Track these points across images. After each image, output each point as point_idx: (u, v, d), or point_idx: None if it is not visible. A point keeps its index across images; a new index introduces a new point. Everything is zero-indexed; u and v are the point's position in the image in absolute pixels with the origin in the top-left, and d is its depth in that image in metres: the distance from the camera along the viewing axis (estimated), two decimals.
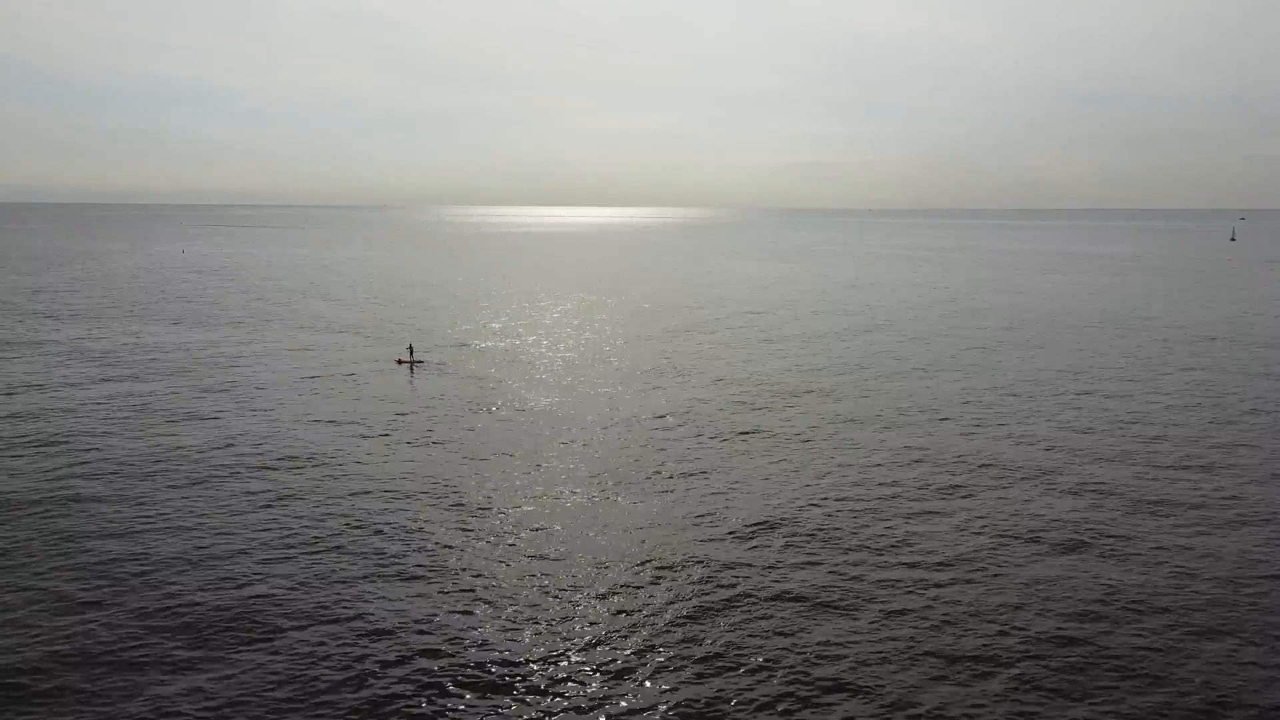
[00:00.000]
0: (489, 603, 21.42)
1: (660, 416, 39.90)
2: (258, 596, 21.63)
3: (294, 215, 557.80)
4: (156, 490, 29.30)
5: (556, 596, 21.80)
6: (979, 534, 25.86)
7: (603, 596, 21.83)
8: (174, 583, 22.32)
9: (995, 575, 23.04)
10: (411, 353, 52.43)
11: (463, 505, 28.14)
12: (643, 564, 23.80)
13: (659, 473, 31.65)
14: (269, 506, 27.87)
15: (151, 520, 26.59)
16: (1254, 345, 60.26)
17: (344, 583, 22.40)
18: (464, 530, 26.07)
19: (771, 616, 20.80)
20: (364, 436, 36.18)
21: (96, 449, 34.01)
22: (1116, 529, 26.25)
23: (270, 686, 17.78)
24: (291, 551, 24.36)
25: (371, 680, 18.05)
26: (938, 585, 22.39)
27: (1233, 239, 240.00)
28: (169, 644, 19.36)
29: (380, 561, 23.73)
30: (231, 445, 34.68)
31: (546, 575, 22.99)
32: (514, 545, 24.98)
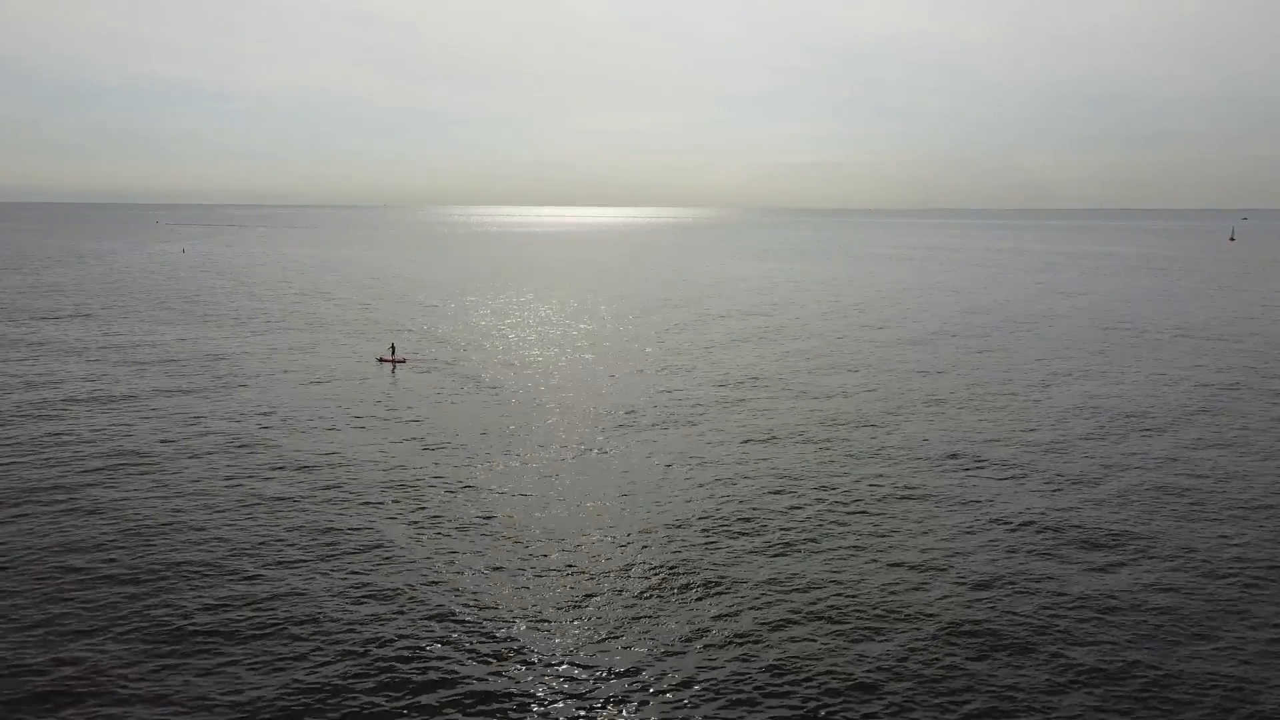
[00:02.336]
0: (470, 613, 20.86)
1: (653, 421, 39.36)
2: (237, 599, 21.08)
3: (292, 215, 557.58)
4: (142, 494, 28.76)
5: (542, 609, 21.23)
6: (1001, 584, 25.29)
7: (593, 607, 21.25)
8: (155, 584, 21.78)
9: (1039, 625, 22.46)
10: (393, 351, 51.86)
11: (438, 508, 27.58)
12: (637, 579, 23.22)
13: (648, 476, 31.12)
14: (241, 507, 27.32)
15: (133, 525, 26.04)
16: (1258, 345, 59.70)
17: (319, 585, 21.84)
18: (439, 536, 25.51)
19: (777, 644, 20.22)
20: (340, 436, 35.60)
21: (70, 451, 33.47)
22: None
23: (252, 689, 17.23)
24: (262, 556, 23.81)
25: (353, 688, 17.49)
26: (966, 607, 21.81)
27: (1232, 239, 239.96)
28: (154, 651, 18.80)
29: (352, 566, 23.18)
30: (207, 444, 34.11)
31: (530, 585, 22.42)
32: (494, 552, 24.42)
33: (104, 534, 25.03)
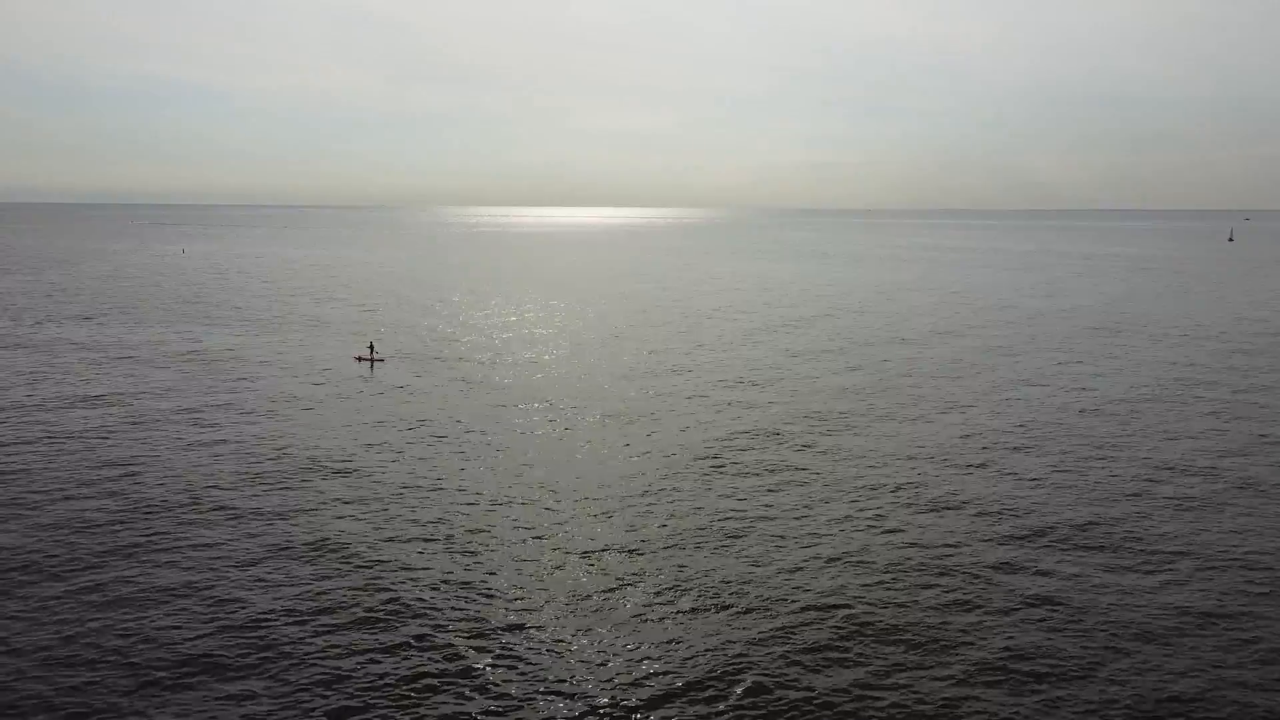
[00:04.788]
0: (443, 627, 20.68)
1: (638, 428, 39.17)
2: (216, 601, 20.93)
3: (291, 216, 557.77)
4: (121, 497, 28.61)
5: (524, 624, 21.05)
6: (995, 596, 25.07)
7: (576, 619, 21.07)
8: (128, 587, 21.64)
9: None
10: (372, 350, 51.66)
11: (413, 514, 27.40)
12: (625, 590, 23.04)
13: (632, 483, 30.94)
14: (214, 511, 27.17)
15: (105, 532, 25.90)
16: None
17: (288, 589, 21.68)
18: (414, 543, 25.34)
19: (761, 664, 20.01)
20: (316, 435, 35.40)
21: (33, 457, 33.34)
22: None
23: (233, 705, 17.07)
24: (233, 561, 23.66)
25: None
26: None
27: (1230, 239, 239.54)
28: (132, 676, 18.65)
29: (303, 578, 23.01)
30: (186, 441, 33.97)
31: (511, 597, 22.24)
32: (469, 559, 24.24)
33: (84, 541, 24.89)
